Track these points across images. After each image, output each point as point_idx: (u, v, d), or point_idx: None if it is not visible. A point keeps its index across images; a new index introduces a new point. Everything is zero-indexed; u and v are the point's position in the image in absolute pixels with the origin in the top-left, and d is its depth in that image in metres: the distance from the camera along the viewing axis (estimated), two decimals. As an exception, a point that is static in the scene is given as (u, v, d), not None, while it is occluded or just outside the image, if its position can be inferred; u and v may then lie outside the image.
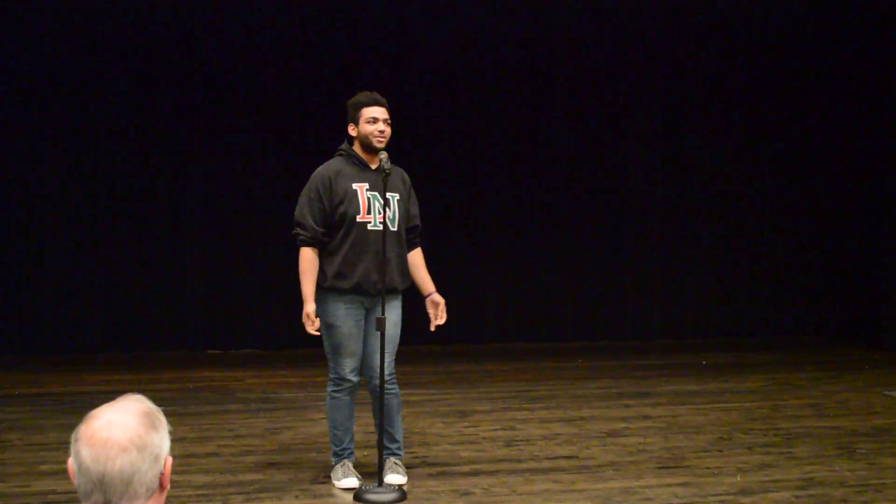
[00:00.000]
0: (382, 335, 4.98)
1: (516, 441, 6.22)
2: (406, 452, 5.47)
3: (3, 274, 9.21)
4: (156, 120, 9.46)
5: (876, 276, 10.35)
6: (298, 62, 9.70)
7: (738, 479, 5.40)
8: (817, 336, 10.68)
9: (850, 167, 10.71)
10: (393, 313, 5.21)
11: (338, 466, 5.25)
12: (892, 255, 10.08)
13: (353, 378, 5.17)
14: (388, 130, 5.19)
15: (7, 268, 9.23)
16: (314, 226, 5.10)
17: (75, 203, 9.33)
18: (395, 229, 5.16)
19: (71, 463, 1.91)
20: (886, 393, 7.84)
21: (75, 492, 1.90)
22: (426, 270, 5.42)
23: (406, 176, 5.33)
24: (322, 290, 5.14)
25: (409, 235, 5.33)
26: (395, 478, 5.20)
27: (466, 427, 6.61)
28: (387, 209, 5.10)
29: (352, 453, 5.29)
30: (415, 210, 5.36)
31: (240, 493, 5.09)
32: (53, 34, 9.21)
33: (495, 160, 10.16)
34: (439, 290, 5.44)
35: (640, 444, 6.16)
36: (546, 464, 5.71)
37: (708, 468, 5.61)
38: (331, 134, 9.43)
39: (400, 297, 5.27)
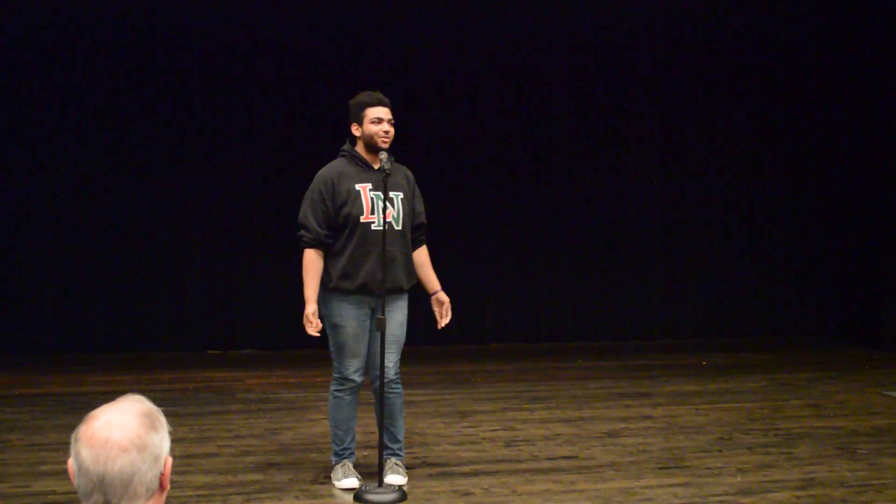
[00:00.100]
0: (382, 335, 4.98)
1: (516, 441, 6.22)
2: (406, 453, 5.47)
3: (3, 274, 9.21)
4: (156, 120, 9.46)
5: (876, 276, 10.35)
6: (299, 62, 9.71)
7: (739, 479, 5.40)
8: (817, 336, 10.68)
9: (851, 167, 10.71)
10: (399, 313, 5.21)
11: (338, 467, 5.25)
12: (892, 255, 10.08)
13: (357, 378, 5.17)
14: (391, 131, 5.18)
15: (7, 268, 9.23)
16: (317, 228, 5.10)
17: (75, 203, 9.33)
18: (400, 228, 5.16)
19: (71, 463, 1.91)
20: (886, 393, 7.84)
21: (75, 492, 1.90)
22: (432, 269, 5.42)
23: (409, 174, 5.33)
24: (327, 291, 5.14)
25: (415, 233, 5.32)
26: (395, 478, 5.19)
27: (467, 427, 6.61)
28: (391, 208, 5.10)
29: (352, 454, 5.29)
30: (420, 208, 5.35)
31: (240, 494, 5.09)
32: (53, 34, 9.21)
33: (495, 160, 10.16)
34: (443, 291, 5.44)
35: (640, 444, 6.16)
36: (546, 464, 5.71)
37: (708, 468, 5.61)
38: (331, 134, 9.44)
39: (406, 297, 5.27)
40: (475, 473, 5.50)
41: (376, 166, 5.13)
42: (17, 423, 6.59)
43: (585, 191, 10.36)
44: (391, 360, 5.20)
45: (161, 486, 1.93)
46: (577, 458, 5.85)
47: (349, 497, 5.03)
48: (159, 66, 9.46)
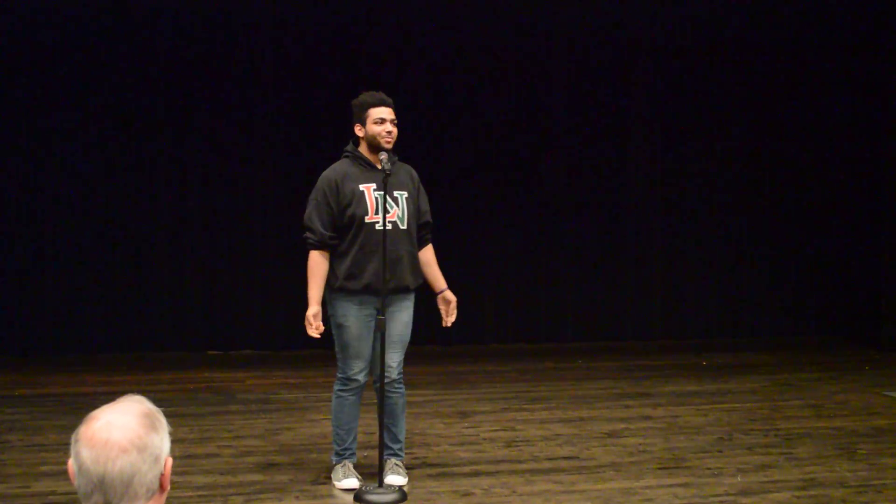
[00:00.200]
0: (382, 336, 4.98)
1: (516, 442, 6.23)
2: (406, 453, 5.47)
3: (4, 274, 9.21)
4: (156, 120, 9.45)
5: (876, 276, 10.34)
6: (301, 62, 9.70)
7: (739, 479, 5.40)
8: (817, 336, 10.67)
9: (851, 167, 10.70)
10: (404, 313, 5.22)
11: (338, 467, 5.25)
12: (892, 255, 10.08)
13: (361, 378, 5.18)
14: (395, 131, 5.19)
15: (7, 268, 9.22)
16: (322, 230, 5.10)
17: (75, 203, 9.33)
18: (405, 227, 5.16)
19: (71, 464, 1.91)
20: (886, 393, 7.84)
21: (75, 493, 1.90)
22: (438, 267, 5.43)
23: (414, 173, 5.33)
24: (333, 291, 5.15)
25: (421, 232, 5.33)
26: (395, 479, 5.19)
27: (467, 428, 6.61)
28: (395, 208, 5.11)
29: (353, 454, 5.29)
30: (425, 207, 5.36)
31: (240, 494, 5.09)
32: (53, 33, 9.20)
33: (495, 160, 10.15)
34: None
35: (640, 444, 6.16)
36: (546, 464, 5.71)
37: (708, 469, 5.61)
38: (332, 135, 9.45)
39: (412, 297, 5.27)
40: (475, 474, 5.50)
41: (380, 166, 5.13)
42: (17, 424, 6.60)
43: (586, 191, 10.35)
44: (395, 360, 5.21)
45: (161, 487, 1.93)
46: (577, 458, 5.85)
47: (349, 497, 5.03)
48: (159, 66, 9.45)
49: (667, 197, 10.56)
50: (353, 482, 5.15)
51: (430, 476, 5.45)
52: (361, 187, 5.11)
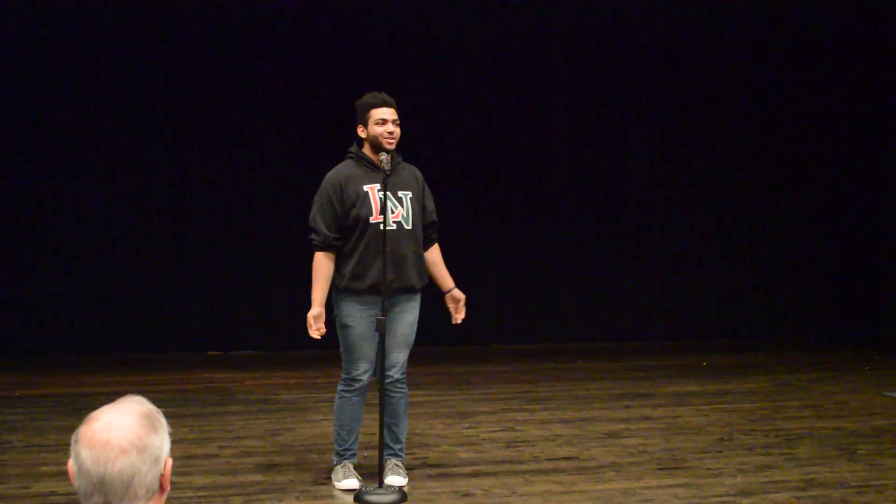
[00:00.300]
0: (382, 336, 4.98)
1: (517, 442, 6.22)
2: (406, 454, 5.47)
3: (4, 274, 9.21)
4: (156, 120, 9.45)
5: (876, 276, 10.34)
6: (302, 62, 9.69)
7: (739, 480, 5.40)
8: (817, 336, 10.67)
9: (851, 167, 10.70)
10: (410, 314, 5.22)
11: (338, 467, 5.25)
12: (893, 255, 10.08)
13: (366, 379, 5.18)
14: (397, 131, 5.19)
15: (7, 268, 9.22)
16: (326, 231, 5.11)
17: (75, 204, 9.32)
18: (410, 227, 5.17)
19: (71, 464, 1.91)
20: (886, 394, 7.84)
21: (76, 493, 1.90)
22: (444, 266, 5.44)
23: (418, 173, 5.34)
24: (338, 291, 5.16)
25: (427, 232, 5.33)
26: (395, 479, 5.19)
27: (467, 428, 6.61)
28: (400, 208, 5.11)
29: (354, 455, 5.29)
30: (430, 206, 5.37)
31: (240, 495, 5.09)
32: (53, 32, 9.20)
33: (494, 161, 10.15)
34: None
35: (640, 445, 6.16)
36: (546, 465, 5.71)
37: (708, 469, 5.61)
38: (332, 135, 9.46)
39: (418, 297, 5.27)
40: (475, 474, 5.50)
41: (381, 167, 5.14)
42: (17, 425, 6.59)
43: (586, 191, 10.35)
44: (398, 360, 5.21)
45: (161, 488, 1.93)
46: (577, 458, 5.85)
47: (349, 498, 5.03)
48: (159, 65, 9.45)
49: (667, 197, 10.56)
50: (353, 483, 5.15)
51: (430, 476, 5.45)
52: (365, 188, 5.11)
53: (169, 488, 1.95)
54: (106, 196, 9.38)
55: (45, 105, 9.23)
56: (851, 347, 10.13)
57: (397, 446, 5.30)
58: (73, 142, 9.31)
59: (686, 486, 5.29)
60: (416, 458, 5.75)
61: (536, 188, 10.27)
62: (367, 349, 5.13)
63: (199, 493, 5.10)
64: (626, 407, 7.29)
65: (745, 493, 5.17)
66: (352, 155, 5.25)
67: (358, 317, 5.10)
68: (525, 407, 7.27)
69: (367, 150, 5.20)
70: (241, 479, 5.38)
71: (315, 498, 5.12)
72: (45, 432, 6.36)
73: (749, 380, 8.39)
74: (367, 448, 5.64)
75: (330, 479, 5.29)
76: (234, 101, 9.60)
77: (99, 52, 9.31)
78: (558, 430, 6.55)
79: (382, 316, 4.95)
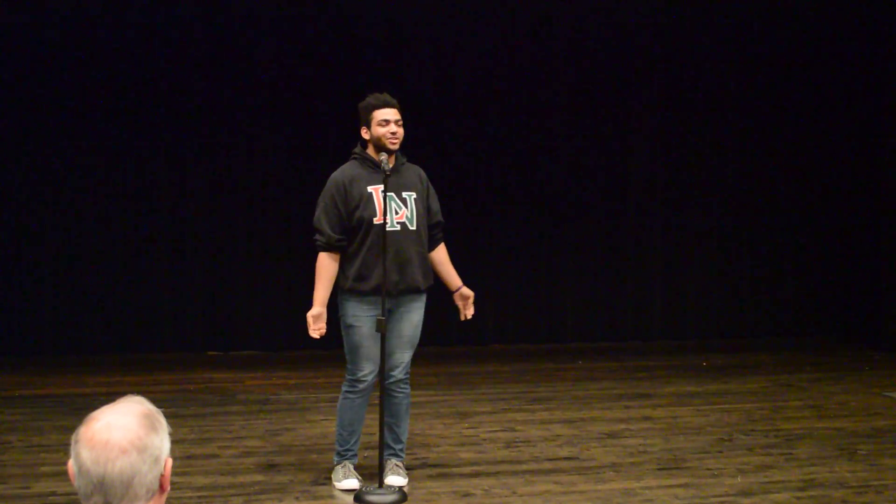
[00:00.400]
0: (382, 337, 4.99)
1: (517, 442, 6.23)
2: (407, 454, 5.47)
3: (4, 275, 9.21)
4: (156, 120, 9.45)
5: (875, 276, 10.34)
6: (303, 62, 9.69)
7: (739, 480, 5.41)
8: (817, 336, 10.66)
9: (850, 167, 10.70)
10: (415, 314, 5.23)
11: (338, 467, 5.25)
12: (892, 255, 10.07)
13: (370, 380, 5.18)
14: (400, 132, 5.20)
15: (7, 269, 9.22)
16: (330, 232, 5.12)
17: (75, 204, 9.32)
18: (414, 228, 5.18)
19: (71, 465, 1.91)
20: (886, 394, 7.84)
21: (76, 493, 1.90)
22: (451, 265, 5.45)
23: (423, 173, 5.35)
24: (343, 292, 5.17)
25: (432, 231, 5.34)
26: (395, 479, 5.20)
27: (467, 428, 6.61)
28: (404, 209, 5.12)
29: (355, 455, 5.29)
30: (435, 206, 5.38)
31: (240, 495, 5.10)
32: (53, 32, 9.20)
33: (494, 161, 10.15)
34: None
35: (640, 445, 6.16)
36: (546, 465, 5.71)
37: (708, 469, 5.61)
38: (333, 135, 9.47)
39: (423, 298, 5.28)
40: (476, 474, 5.51)
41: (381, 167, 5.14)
42: (17, 425, 6.60)
43: (586, 191, 10.34)
44: (402, 360, 5.22)
45: (161, 488, 1.93)
46: (577, 459, 5.85)
47: (349, 498, 5.04)
48: (159, 65, 9.44)
49: (667, 197, 10.55)
50: (353, 483, 5.16)
51: (430, 477, 5.45)
52: (369, 189, 5.12)
53: (169, 488, 1.95)
54: (106, 196, 9.37)
55: (46, 105, 9.23)
56: (851, 347, 10.13)
57: (398, 446, 5.31)
58: (74, 141, 9.30)
59: (686, 486, 5.29)
60: (416, 458, 5.75)
61: (536, 188, 10.27)
62: (372, 349, 5.13)
63: (200, 494, 5.11)
64: (626, 407, 7.29)
65: (745, 493, 5.17)
66: (356, 156, 5.26)
67: (363, 317, 5.11)
68: (525, 407, 7.27)
69: (370, 151, 5.21)
70: (241, 479, 5.38)
71: (315, 498, 5.12)
72: (45, 432, 6.36)
73: (749, 380, 8.39)
74: (367, 448, 5.64)
75: (330, 479, 5.29)
76: (234, 101, 9.59)
77: (99, 52, 9.30)
78: (558, 430, 6.55)
79: (382, 316, 4.95)
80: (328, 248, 5.14)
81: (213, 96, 9.54)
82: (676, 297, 10.55)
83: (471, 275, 9.71)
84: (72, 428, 1.93)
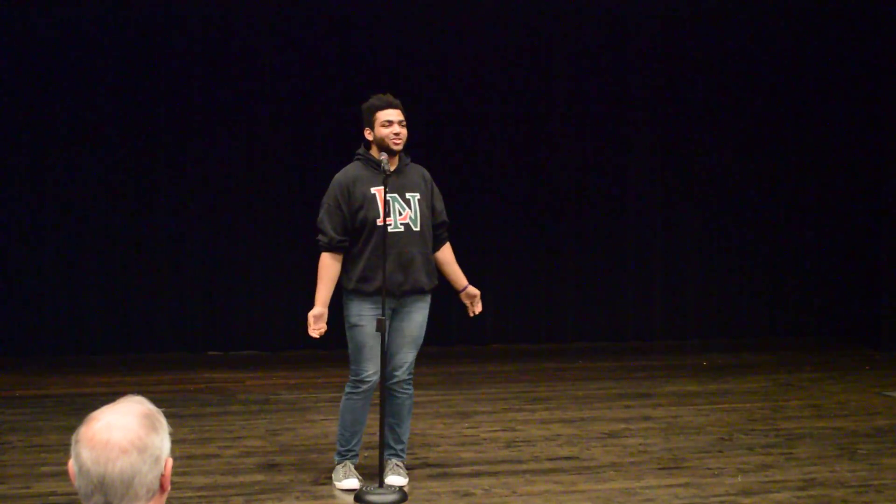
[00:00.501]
0: (383, 337, 4.99)
1: (517, 442, 6.23)
2: (407, 453, 5.47)
3: (4, 275, 9.21)
4: (156, 120, 9.45)
5: (875, 276, 10.34)
6: (303, 63, 9.68)
7: (739, 479, 5.41)
8: (817, 336, 10.67)
9: (850, 167, 10.70)
10: (419, 315, 5.24)
11: (339, 467, 5.26)
12: (892, 255, 10.07)
13: (374, 380, 5.17)
14: (403, 132, 5.21)
15: (7, 268, 9.22)
16: (333, 233, 5.13)
17: (75, 204, 9.32)
18: (418, 229, 5.18)
19: (71, 464, 1.91)
20: (886, 393, 7.84)
21: (76, 493, 1.91)
22: (457, 265, 5.46)
23: (426, 174, 5.36)
24: (347, 292, 5.17)
25: (437, 231, 5.35)
26: (396, 479, 5.20)
27: (467, 428, 6.61)
28: (408, 210, 5.13)
29: (356, 455, 5.29)
30: (440, 206, 5.38)
31: (240, 495, 5.10)
32: (53, 32, 9.20)
33: (495, 161, 10.15)
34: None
35: (640, 444, 6.16)
36: (547, 465, 5.71)
37: (708, 469, 5.62)
38: (333, 135, 9.47)
39: (427, 298, 5.28)
40: (476, 474, 5.51)
41: (392, 168, 5.14)
42: (17, 425, 6.60)
43: (586, 191, 10.35)
44: (406, 360, 5.23)
45: (161, 488, 1.93)
46: (577, 458, 5.85)
47: (350, 498, 5.04)
48: (159, 65, 9.44)
49: (667, 197, 10.55)
50: (353, 483, 5.16)
51: (430, 476, 5.45)
52: (373, 191, 5.12)
53: (169, 488, 1.95)
54: (106, 196, 9.37)
55: (46, 104, 9.23)
56: (851, 347, 10.13)
57: (399, 447, 5.31)
58: (74, 141, 9.30)
59: (686, 485, 5.30)
60: (416, 458, 5.75)
61: (536, 188, 10.27)
62: (376, 349, 5.13)
63: (200, 493, 5.11)
64: (626, 407, 7.29)
65: (745, 492, 5.17)
66: (359, 157, 5.26)
67: (367, 316, 5.11)
68: (525, 407, 7.27)
69: (374, 152, 5.21)
70: (241, 479, 5.39)
71: (315, 498, 5.12)
72: (46, 432, 6.36)
73: (749, 380, 8.39)
74: (367, 448, 5.64)
75: (330, 478, 5.29)
76: (235, 102, 9.59)
77: (100, 52, 9.30)
78: (558, 429, 6.55)
79: (383, 316, 4.96)
80: (330, 249, 5.14)
81: (214, 96, 9.54)
82: (676, 297, 10.55)
83: (471, 275, 9.70)
84: (72, 428, 1.93)
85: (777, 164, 10.74)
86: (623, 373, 8.70)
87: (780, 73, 10.69)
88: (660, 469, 5.62)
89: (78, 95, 9.27)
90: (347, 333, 5.20)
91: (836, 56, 10.65)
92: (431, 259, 5.29)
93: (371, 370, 5.15)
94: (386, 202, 5.06)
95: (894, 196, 10.04)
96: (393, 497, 4.93)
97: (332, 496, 5.14)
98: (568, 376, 8.57)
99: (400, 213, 5.10)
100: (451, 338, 9.45)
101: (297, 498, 5.09)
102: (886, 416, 7.04)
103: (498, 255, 10.10)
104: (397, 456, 5.30)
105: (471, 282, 5.54)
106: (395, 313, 5.18)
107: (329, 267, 5.15)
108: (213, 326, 9.59)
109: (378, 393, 5.19)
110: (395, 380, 5.20)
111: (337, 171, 5.32)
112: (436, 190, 5.37)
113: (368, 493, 4.96)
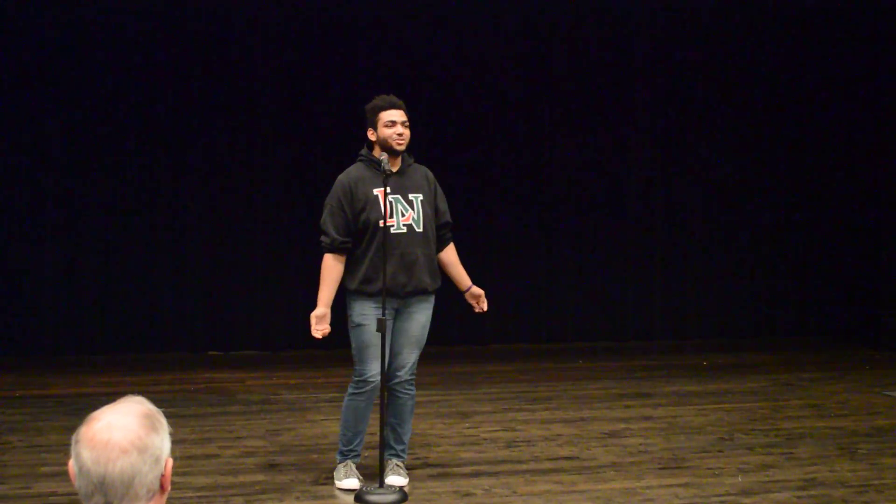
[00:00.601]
0: (383, 337, 4.99)
1: (517, 442, 6.23)
2: (407, 454, 5.47)
3: (4, 275, 9.21)
4: (156, 119, 9.45)
5: (876, 276, 10.34)
6: (304, 63, 9.69)
7: (739, 479, 5.41)
8: (817, 336, 10.67)
9: (850, 167, 10.70)
10: (422, 315, 5.24)
11: (340, 466, 5.26)
12: (892, 255, 10.07)
13: (377, 380, 5.17)
14: (406, 133, 5.21)
15: (7, 268, 9.22)
16: (335, 234, 5.13)
17: (76, 204, 9.32)
18: (421, 230, 5.18)
19: (72, 465, 1.91)
20: (887, 393, 7.84)
21: (76, 493, 1.90)
22: (461, 266, 5.46)
23: (430, 174, 5.36)
24: (351, 293, 5.17)
25: (440, 232, 5.35)
26: (396, 479, 5.20)
27: (467, 428, 6.61)
28: (411, 210, 5.13)
29: (357, 455, 5.29)
30: (443, 206, 5.38)
31: (241, 495, 5.10)
32: (53, 32, 9.20)
33: (495, 161, 10.15)
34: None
35: (641, 444, 6.16)
36: (547, 465, 5.71)
37: (709, 469, 5.61)
38: (334, 135, 9.47)
39: (431, 299, 5.28)
40: (476, 474, 5.51)
41: (394, 169, 5.14)
42: (17, 425, 6.60)
43: (586, 191, 10.35)
44: (408, 360, 5.23)
45: (162, 488, 1.93)
46: (577, 458, 5.85)
47: (350, 498, 5.04)
48: (160, 66, 9.45)
49: (667, 197, 10.56)
50: (353, 482, 5.16)
51: (430, 476, 5.45)
52: (375, 192, 5.12)
53: (169, 488, 1.95)
54: (106, 196, 9.38)
55: (46, 105, 9.23)
56: (851, 347, 10.13)
57: (400, 447, 5.31)
58: (74, 141, 9.30)
59: (686, 485, 5.29)
60: (416, 458, 5.75)
61: (536, 188, 10.27)
62: (380, 348, 5.13)
63: (200, 494, 5.11)
64: (627, 407, 7.29)
65: (745, 492, 5.17)
66: (362, 158, 5.26)
67: (371, 315, 5.11)
68: (525, 407, 7.27)
69: (377, 152, 5.21)
70: (241, 479, 5.38)
71: (316, 498, 5.12)
72: (46, 432, 6.36)
73: (749, 380, 8.39)
74: (368, 447, 5.64)
75: (330, 478, 5.29)
76: (235, 102, 9.60)
77: (100, 52, 9.30)
78: (559, 429, 6.55)
79: (383, 316, 4.96)
80: (333, 250, 5.14)
81: (215, 96, 9.54)
82: (676, 297, 10.55)
83: (471, 274, 9.73)
84: (72, 428, 1.93)
85: (777, 164, 10.74)
86: (623, 373, 8.70)
87: (781, 73, 10.69)
88: (660, 469, 5.62)
89: (78, 95, 9.27)
90: (351, 334, 5.20)
91: (836, 56, 10.66)
92: (435, 260, 5.29)
93: (375, 370, 5.15)
94: (389, 203, 5.06)
95: (894, 196, 10.04)
96: (393, 497, 4.93)
97: (333, 496, 5.14)
98: (568, 376, 8.56)
99: (403, 215, 5.11)
100: (451, 338, 9.45)
101: (298, 498, 5.09)
102: (886, 416, 7.04)
103: (498, 254, 10.11)
104: (398, 456, 5.30)
105: (472, 281, 5.54)
106: (399, 314, 5.18)
107: (331, 268, 5.15)
108: (213, 326, 9.59)
109: (387, 390, 5.19)
110: (397, 380, 5.20)
111: (337, 171, 5.33)
112: (439, 190, 5.37)
113: (368, 493, 4.96)
